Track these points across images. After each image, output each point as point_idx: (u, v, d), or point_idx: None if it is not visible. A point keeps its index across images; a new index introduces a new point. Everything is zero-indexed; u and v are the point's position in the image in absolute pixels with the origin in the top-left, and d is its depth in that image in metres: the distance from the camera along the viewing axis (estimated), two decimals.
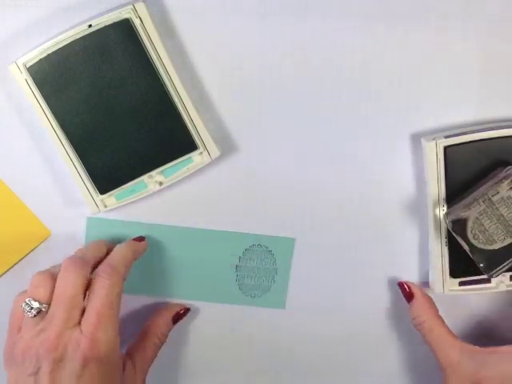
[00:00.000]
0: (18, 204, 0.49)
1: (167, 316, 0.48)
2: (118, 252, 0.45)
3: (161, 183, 0.48)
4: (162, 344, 0.47)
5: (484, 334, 0.52)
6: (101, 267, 0.43)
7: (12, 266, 0.50)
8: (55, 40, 0.44)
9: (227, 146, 0.49)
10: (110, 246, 0.47)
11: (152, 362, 0.46)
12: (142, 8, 0.44)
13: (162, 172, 0.48)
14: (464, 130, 0.47)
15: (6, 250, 0.50)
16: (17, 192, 0.49)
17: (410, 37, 0.46)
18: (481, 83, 0.47)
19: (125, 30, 0.44)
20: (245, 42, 0.47)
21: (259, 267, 0.47)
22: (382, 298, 0.52)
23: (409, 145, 0.48)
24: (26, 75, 0.44)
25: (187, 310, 0.49)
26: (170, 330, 0.48)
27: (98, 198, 0.47)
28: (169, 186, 0.48)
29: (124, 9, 0.44)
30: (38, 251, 0.50)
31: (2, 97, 0.47)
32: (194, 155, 0.47)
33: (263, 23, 0.46)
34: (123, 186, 0.47)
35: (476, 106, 0.48)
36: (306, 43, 0.47)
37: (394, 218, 0.50)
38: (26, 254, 0.50)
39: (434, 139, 0.46)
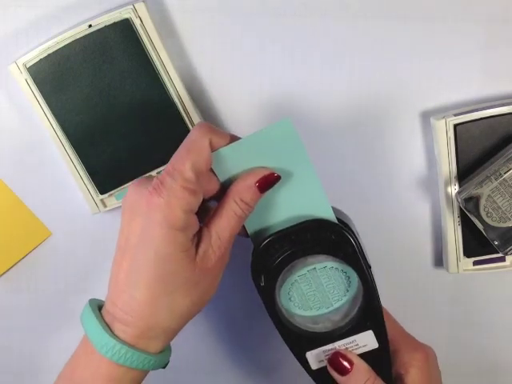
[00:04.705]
0: (18, 204, 0.49)
1: (250, 180, 0.39)
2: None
3: None
4: (246, 216, 0.40)
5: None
6: None
7: (12, 266, 0.50)
8: (55, 40, 0.44)
9: None
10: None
11: (233, 232, 0.39)
12: (142, 8, 0.44)
13: (161, 172, 0.47)
14: (473, 107, 0.46)
15: (6, 249, 0.50)
16: (17, 192, 0.49)
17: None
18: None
19: (125, 29, 0.44)
20: (245, 41, 0.47)
21: None
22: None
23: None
24: (26, 75, 0.44)
25: (276, 178, 0.39)
26: (256, 199, 0.40)
27: (98, 197, 0.47)
28: None
29: (124, 9, 0.44)
30: (38, 251, 0.50)
31: (2, 97, 0.47)
32: None
33: (263, 23, 0.46)
34: (123, 186, 0.47)
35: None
36: (307, 42, 0.47)
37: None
38: (26, 254, 0.50)
39: (443, 117, 0.45)
